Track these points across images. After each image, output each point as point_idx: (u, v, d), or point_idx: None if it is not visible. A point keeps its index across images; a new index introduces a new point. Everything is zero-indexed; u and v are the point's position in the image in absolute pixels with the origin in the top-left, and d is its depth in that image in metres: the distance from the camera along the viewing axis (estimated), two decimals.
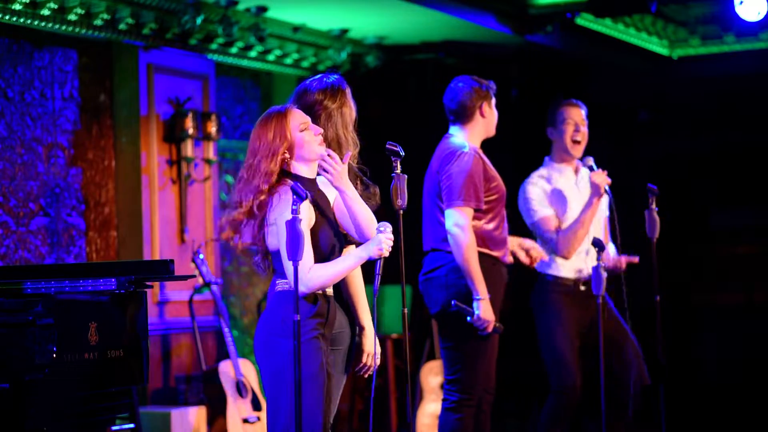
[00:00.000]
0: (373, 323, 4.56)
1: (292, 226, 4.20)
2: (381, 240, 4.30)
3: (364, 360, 4.63)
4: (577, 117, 6.40)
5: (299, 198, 4.24)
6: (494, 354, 5.87)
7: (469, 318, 5.71)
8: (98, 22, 7.11)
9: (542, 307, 6.36)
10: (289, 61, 8.55)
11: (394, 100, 9.38)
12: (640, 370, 6.32)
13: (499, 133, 6.04)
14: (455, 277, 5.82)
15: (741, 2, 7.97)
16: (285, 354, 4.31)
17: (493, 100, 6.01)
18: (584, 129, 6.41)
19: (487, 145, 6.06)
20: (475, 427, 5.85)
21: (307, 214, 4.34)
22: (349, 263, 4.34)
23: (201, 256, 7.45)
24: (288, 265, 4.27)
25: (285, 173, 4.44)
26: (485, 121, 5.98)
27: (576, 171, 6.46)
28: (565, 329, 6.28)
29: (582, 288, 6.32)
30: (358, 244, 4.51)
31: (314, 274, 4.30)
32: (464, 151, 5.82)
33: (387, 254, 4.33)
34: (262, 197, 4.35)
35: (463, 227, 5.73)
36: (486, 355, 5.81)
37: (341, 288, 4.66)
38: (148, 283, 5.21)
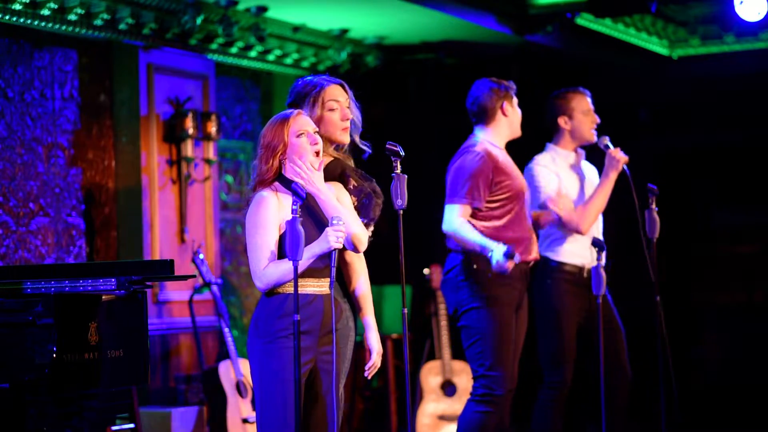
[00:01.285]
0: (333, 317, 4.50)
1: (292, 226, 4.27)
2: (328, 233, 4.37)
3: (371, 358, 4.61)
4: (591, 105, 6.45)
5: (299, 198, 4.33)
6: (510, 341, 5.86)
7: (490, 274, 5.73)
8: (98, 22, 7.11)
9: (546, 297, 6.29)
10: (289, 61, 8.55)
11: (394, 100, 9.38)
12: (624, 366, 6.34)
13: None
14: (463, 277, 5.87)
15: (741, 2, 7.97)
16: (256, 354, 4.48)
17: (515, 100, 6.06)
18: None
19: None
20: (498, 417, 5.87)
21: (278, 213, 4.43)
22: (305, 256, 4.38)
23: (201, 256, 7.45)
24: (252, 267, 4.44)
25: (281, 177, 4.52)
26: (508, 120, 6.05)
27: (578, 157, 6.47)
28: (566, 324, 6.25)
29: (585, 276, 6.30)
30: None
31: (267, 271, 4.41)
32: (473, 149, 5.87)
33: (338, 246, 4.37)
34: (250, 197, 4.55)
35: (455, 224, 5.77)
36: (506, 344, 5.81)
37: (347, 287, 4.67)
38: (148, 283, 5.21)
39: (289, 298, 4.43)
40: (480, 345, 5.82)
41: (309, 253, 4.39)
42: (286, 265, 4.36)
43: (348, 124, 4.77)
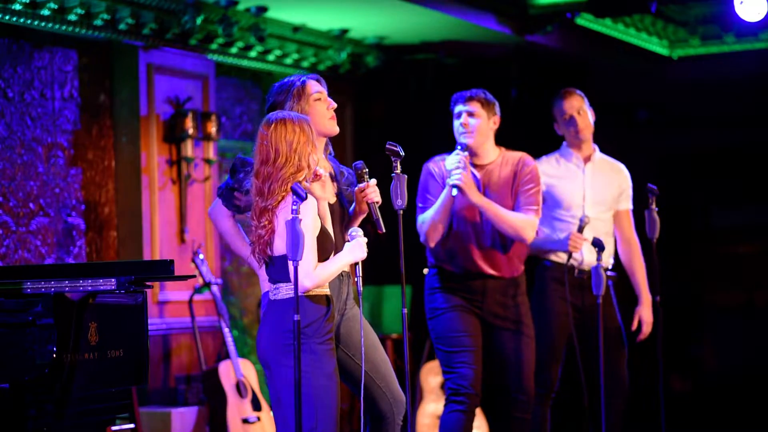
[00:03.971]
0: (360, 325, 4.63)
1: (292, 226, 4.28)
2: (362, 244, 4.46)
3: None
4: (570, 108, 6.35)
5: (299, 198, 4.33)
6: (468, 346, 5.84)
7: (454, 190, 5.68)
8: (98, 22, 7.11)
9: (535, 297, 6.25)
10: (289, 61, 8.55)
11: (394, 100, 9.37)
12: (621, 373, 6.32)
13: (499, 134, 6.03)
14: (427, 286, 5.92)
15: (741, 2, 7.97)
16: (298, 357, 4.38)
17: (455, 107, 5.86)
18: (583, 116, 6.36)
19: None
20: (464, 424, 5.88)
21: (313, 215, 4.41)
22: (341, 263, 4.46)
23: (201, 256, 7.45)
24: (302, 265, 4.37)
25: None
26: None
27: (587, 158, 6.39)
28: (551, 324, 6.21)
29: (576, 275, 6.22)
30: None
31: (318, 272, 4.42)
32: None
33: (364, 257, 4.48)
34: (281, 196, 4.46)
35: (422, 236, 5.80)
36: (460, 348, 5.80)
37: None
38: (148, 283, 5.21)
39: (328, 299, 4.49)
40: (437, 352, 5.89)
41: (339, 263, 4.45)
42: (333, 267, 4.44)
43: (333, 112, 4.80)
